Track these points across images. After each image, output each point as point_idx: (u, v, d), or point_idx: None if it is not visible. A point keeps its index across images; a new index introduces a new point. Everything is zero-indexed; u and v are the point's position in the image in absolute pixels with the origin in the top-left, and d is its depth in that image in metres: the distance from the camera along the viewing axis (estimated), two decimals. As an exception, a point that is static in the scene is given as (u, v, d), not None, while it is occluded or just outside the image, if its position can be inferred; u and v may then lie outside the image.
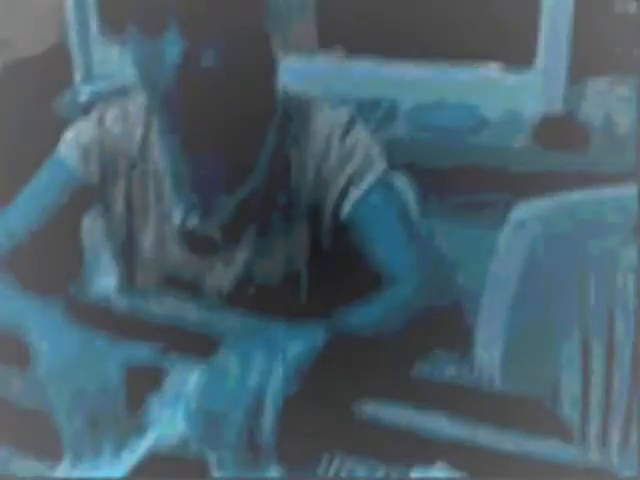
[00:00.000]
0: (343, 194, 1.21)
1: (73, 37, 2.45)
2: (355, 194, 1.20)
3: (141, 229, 1.30)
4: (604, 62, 1.81)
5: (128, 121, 1.27)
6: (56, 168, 1.27)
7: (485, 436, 0.93)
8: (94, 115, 1.29)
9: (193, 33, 1.04)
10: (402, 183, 1.46)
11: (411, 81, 2.05)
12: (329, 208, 1.23)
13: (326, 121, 1.22)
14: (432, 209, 1.52)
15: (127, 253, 1.34)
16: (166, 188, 1.26)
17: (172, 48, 1.04)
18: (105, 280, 1.65)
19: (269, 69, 1.19)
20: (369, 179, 1.20)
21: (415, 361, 1.09)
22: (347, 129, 1.22)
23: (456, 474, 0.86)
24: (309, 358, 0.94)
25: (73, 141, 1.27)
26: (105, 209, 1.31)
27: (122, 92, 1.48)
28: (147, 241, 1.30)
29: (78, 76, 2.45)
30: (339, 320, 1.02)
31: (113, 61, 2.36)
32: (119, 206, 1.29)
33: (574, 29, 1.83)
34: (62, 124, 2.22)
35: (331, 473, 0.89)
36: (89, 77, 2.43)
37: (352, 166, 1.20)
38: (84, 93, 2.30)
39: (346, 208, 1.21)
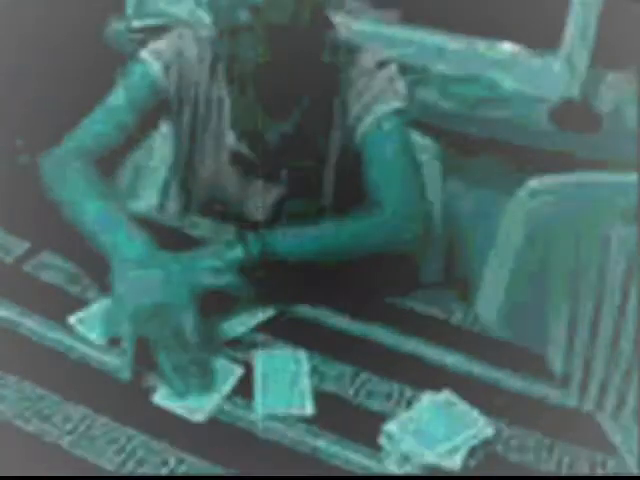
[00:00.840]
0: (357, 121, 1.31)
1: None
2: (367, 120, 1.30)
3: (201, 147, 1.41)
4: (623, 57, 1.89)
5: (201, 46, 1.36)
6: (141, 73, 1.35)
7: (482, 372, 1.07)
8: (174, 34, 1.39)
9: None
10: (427, 142, 1.58)
11: (446, 51, 2.13)
12: (347, 134, 1.33)
13: (368, 61, 1.33)
14: (452, 170, 1.64)
15: (186, 170, 1.46)
16: (225, 113, 1.37)
17: None
18: (145, 200, 1.78)
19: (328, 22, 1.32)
20: (382, 109, 1.30)
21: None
22: (380, 66, 1.33)
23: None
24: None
25: (156, 52, 1.36)
26: (174, 124, 1.41)
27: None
28: (205, 158, 1.41)
29: (129, 9, 2.49)
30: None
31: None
32: (186, 124, 1.40)
33: (600, 22, 1.91)
34: (113, 54, 2.32)
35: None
36: (140, 11, 2.47)
37: (371, 94, 1.31)
38: (136, 25, 2.36)
39: (358, 133, 1.31)
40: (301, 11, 1.21)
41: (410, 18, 2.23)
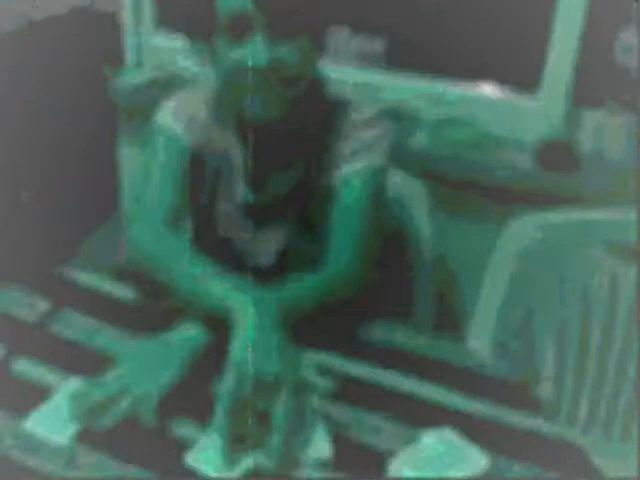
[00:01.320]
0: (336, 167, 1.41)
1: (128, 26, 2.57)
2: (343, 170, 1.40)
3: (214, 198, 1.49)
4: (602, 94, 1.96)
5: (207, 104, 1.44)
6: (167, 141, 1.47)
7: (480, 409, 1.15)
8: (181, 95, 1.49)
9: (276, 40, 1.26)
10: (417, 187, 1.67)
11: (429, 95, 2.20)
12: (327, 179, 1.42)
13: (360, 116, 1.42)
14: (441, 214, 1.71)
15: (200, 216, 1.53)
16: (234, 164, 1.44)
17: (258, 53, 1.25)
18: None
19: (322, 81, 1.42)
20: (359, 163, 1.40)
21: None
22: (370, 123, 1.42)
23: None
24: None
25: (173, 115, 1.46)
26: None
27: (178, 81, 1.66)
28: (218, 209, 1.49)
29: (129, 61, 2.57)
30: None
31: (164, 51, 2.49)
32: (201, 177, 1.48)
33: (579, 61, 1.98)
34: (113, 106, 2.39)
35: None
36: (139, 64, 2.56)
37: (351, 146, 1.40)
38: (139, 79, 2.44)
39: (335, 183, 1.41)
40: (300, 73, 1.32)
41: (392, 61, 2.30)
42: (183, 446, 1.04)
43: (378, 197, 1.44)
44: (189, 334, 1.23)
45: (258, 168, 1.43)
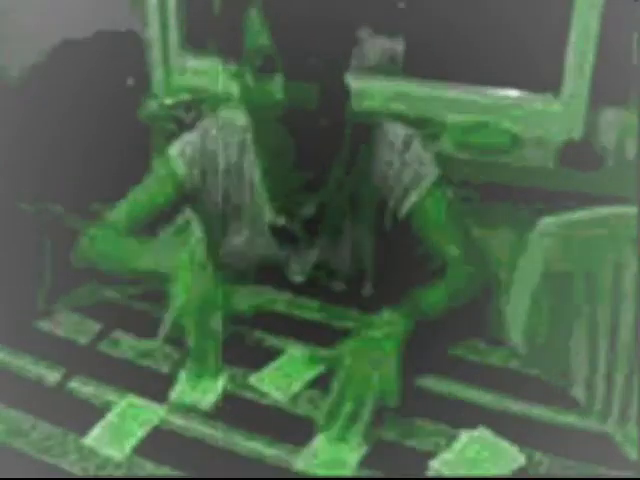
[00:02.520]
0: (403, 197, 1.46)
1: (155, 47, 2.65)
2: (413, 197, 1.46)
3: (234, 224, 1.54)
4: (621, 93, 2.01)
5: (228, 132, 1.51)
6: (167, 172, 1.52)
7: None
8: (200, 128, 1.54)
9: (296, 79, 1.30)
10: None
11: (454, 102, 2.25)
12: (391, 209, 1.48)
13: (389, 137, 1.47)
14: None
15: (217, 246, 1.58)
16: (258, 191, 1.51)
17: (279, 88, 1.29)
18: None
19: (345, 98, 1.43)
20: (424, 184, 1.46)
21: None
22: (406, 143, 1.46)
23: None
24: None
25: (181, 151, 1.51)
26: (202, 206, 1.55)
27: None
28: (240, 234, 1.54)
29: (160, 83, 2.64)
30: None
31: (192, 74, 2.57)
32: (216, 204, 1.53)
33: (598, 60, 2.03)
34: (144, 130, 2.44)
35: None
36: (168, 88, 2.62)
37: (410, 174, 1.45)
38: (168, 102, 2.50)
39: (405, 208, 1.46)
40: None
41: (412, 69, 2.35)
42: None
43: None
44: None
45: (286, 194, 1.49)
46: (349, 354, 1.19)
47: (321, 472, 1.06)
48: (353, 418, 1.11)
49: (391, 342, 1.20)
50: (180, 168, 1.51)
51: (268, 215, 1.51)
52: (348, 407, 1.12)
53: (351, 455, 1.09)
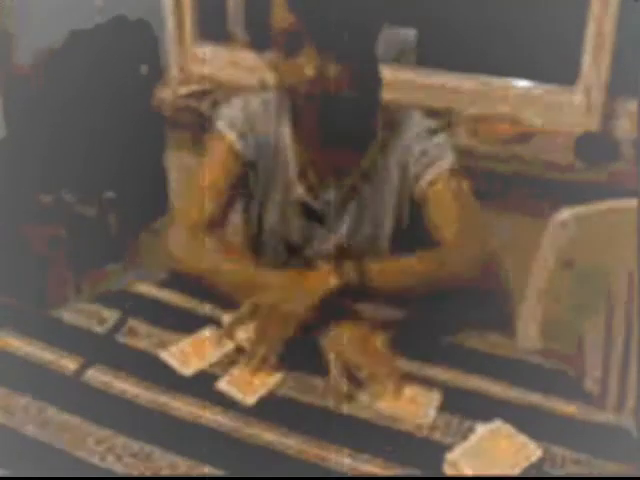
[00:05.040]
0: (418, 177, 1.50)
1: (169, 36, 2.65)
2: (426, 178, 1.50)
3: (271, 196, 1.58)
4: (637, 85, 1.99)
5: (266, 109, 1.55)
6: (223, 146, 1.54)
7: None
8: (240, 99, 1.57)
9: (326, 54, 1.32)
10: None
11: (470, 93, 2.25)
12: (407, 189, 1.52)
13: (414, 129, 1.52)
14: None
15: (257, 219, 1.62)
16: (291, 169, 1.54)
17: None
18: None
19: (378, 85, 1.49)
20: (438, 168, 1.49)
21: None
22: (432, 132, 1.52)
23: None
24: None
25: (230, 123, 1.53)
26: (253, 181, 1.58)
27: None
28: (273, 209, 1.58)
29: (174, 72, 2.65)
30: None
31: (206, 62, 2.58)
32: (260, 177, 1.57)
33: (614, 54, 2.03)
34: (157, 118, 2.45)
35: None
36: (181, 76, 2.63)
37: (428, 158, 1.50)
38: (183, 92, 2.50)
39: (419, 189, 1.50)
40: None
41: (427, 60, 2.35)
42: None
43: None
44: None
45: (315, 174, 1.54)
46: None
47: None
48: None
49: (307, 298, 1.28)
50: (235, 141, 1.53)
51: (298, 190, 1.55)
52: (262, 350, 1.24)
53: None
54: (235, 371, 1.25)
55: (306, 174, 1.54)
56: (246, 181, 1.57)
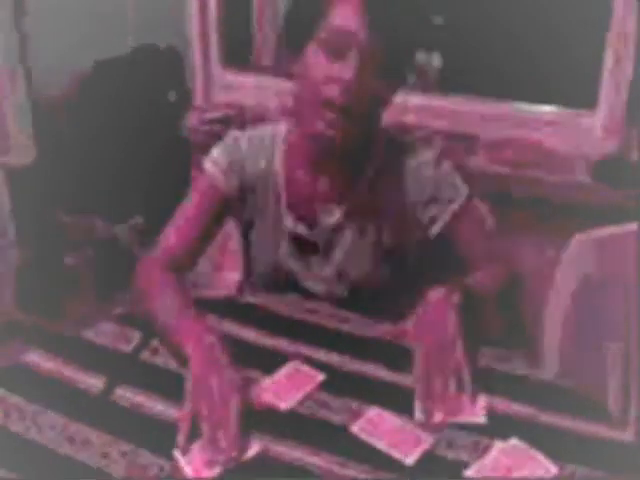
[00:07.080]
0: (434, 218, 1.52)
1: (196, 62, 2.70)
2: (444, 217, 1.51)
3: (263, 228, 1.59)
4: None
5: (255, 140, 1.56)
6: (207, 184, 1.55)
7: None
8: (230, 137, 1.58)
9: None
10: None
11: (489, 117, 2.26)
12: (421, 227, 1.53)
13: (417, 159, 1.52)
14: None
15: (248, 250, 1.64)
16: (282, 200, 1.55)
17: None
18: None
19: (380, 110, 1.47)
20: (454, 206, 1.51)
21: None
22: (435, 165, 1.51)
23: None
24: None
25: (215, 162, 1.55)
26: (241, 215, 1.60)
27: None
28: (264, 239, 1.59)
29: (198, 100, 2.69)
30: None
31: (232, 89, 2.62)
32: (248, 211, 1.58)
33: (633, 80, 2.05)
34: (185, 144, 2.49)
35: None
36: (208, 103, 2.67)
37: (442, 194, 1.51)
38: (208, 117, 2.55)
39: (437, 227, 1.52)
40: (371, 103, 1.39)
41: (448, 85, 2.36)
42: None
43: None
44: None
45: (306, 203, 1.54)
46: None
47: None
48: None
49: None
50: (218, 179, 1.54)
51: (289, 222, 1.55)
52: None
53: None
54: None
55: (297, 204, 1.54)
56: (242, 209, 1.58)
